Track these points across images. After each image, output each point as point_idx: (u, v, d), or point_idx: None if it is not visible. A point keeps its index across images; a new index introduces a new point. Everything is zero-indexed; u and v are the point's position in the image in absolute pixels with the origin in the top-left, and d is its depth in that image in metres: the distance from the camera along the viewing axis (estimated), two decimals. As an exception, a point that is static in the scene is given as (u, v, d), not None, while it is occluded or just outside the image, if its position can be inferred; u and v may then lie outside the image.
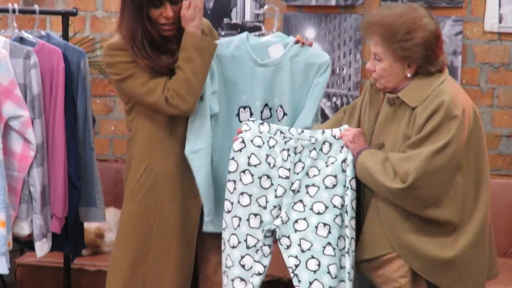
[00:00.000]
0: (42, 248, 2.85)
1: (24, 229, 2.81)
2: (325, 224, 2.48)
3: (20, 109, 2.76)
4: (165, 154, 2.68)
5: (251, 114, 2.69)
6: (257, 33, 2.81)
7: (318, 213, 2.49)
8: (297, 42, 2.73)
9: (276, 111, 2.73)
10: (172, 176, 2.68)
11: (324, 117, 3.83)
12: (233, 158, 2.54)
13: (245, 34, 2.74)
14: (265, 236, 2.50)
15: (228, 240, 2.55)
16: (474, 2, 3.88)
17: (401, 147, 2.41)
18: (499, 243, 3.74)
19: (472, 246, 2.41)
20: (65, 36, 3.18)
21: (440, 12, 3.83)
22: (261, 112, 2.71)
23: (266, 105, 2.72)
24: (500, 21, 3.88)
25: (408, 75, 2.43)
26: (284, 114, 2.73)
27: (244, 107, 2.71)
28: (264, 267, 2.50)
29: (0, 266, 2.63)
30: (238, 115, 2.71)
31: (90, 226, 3.38)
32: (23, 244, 3.09)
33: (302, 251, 2.49)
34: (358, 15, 3.92)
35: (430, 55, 2.40)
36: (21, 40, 2.92)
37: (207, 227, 2.66)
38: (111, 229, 3.60)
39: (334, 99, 4.01)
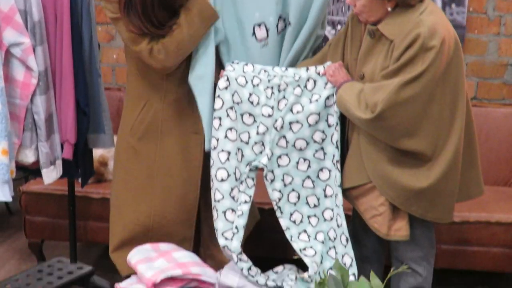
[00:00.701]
0: (49, 175, 2.86)
1: (28, 157, 2.81)
2: (305, 159, 2.58)
3: (21, 36, 2.71)
4: (163, 90, 2.68)
5: (267, 30, 2.66)
6: None
7: (300, 150, 2.57)
8: None
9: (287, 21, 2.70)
10: (171, 112, 2.69)
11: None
12: (218, 96, 2.58)
13: None
14: (250, 170, 2.56)
15: (215, 175, 2.60)
16: None
17: (378, 79, 2.41)
18: (501, 172, 3.77)
19: (445, 176, 2.44)
20: (65, -40, 3.11)
21: None
22: (277, 26, 2.67)
23: (280, 17, 2.68)
24: None
25: (389, 9, 2.41)
26: (289, 23, 2.68)
27: (259, 25, 2.66)
28: (249, 196, 2.57)
29: (3, 194, 2.64)
30: (254, 34, 2.67)
31: (93, 154, 3.38)
32: (30, 172, 3.11)
33: (285, 185, 2.59)
34: None
35: None
36: (20, -36, 2.86)
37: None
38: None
39: (338, 26, 3.95)
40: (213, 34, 2.62)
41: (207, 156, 2.74)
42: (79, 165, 3.07)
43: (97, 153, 3.53)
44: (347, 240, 2.54)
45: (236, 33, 2.68)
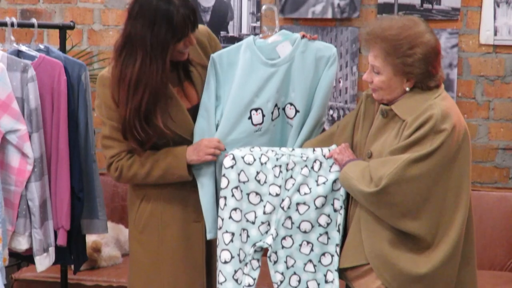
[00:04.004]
0: (42, 262, 2.83)
1: (21, 244, 2.79)
2: (308, 242, 2.55)
3: (18, 123, 2.74)
4: (160, 185, 2.69)
5: (263, 116, 2.68)
6: (260, 35, 2.78)
7: (304, 232, 2.54)
8: (303, 37, 2.71)
9: (284, 109, 2.71)
10: (169, 204, 2.70)
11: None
12: (224, 175, 2.56)
13: (251, 37, 2.73)
14: (255, 251, 2.54)
15: (219, 257, 2.56)
16: (469, 15, 3.91)
17: (385, 156, 2.41)
18: (497, 256, 3.75)
19: (444, 265, 2.38)
20: (63, 49, 3.18)
21: (436, 25, 3.85)
22: (272, 112, 2.69)
23: (276, 105, 2.70)
24: (495, 34, 3.90)
25: (407, 88, 2.43)
26: (297, 111, 2.70)
27: (256, 109, 2.68)
28: (254, 279, 2.53)
29: (-4, 281, 2.61)
30: (250, 117, 2.69)
31: (86, 240, 3.36)
32: (23, 259, 3.08)
33: (287, 267, 2.55)
34: (354, 28, 3.94)
35: (431, 70, 2.39)
36: (19, 53, 2.92)
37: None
38: (108, 243, 3.58)
39: (330, 111, 4.01)
40: (214, 126, 2.67)
41: (210, 241, 2.74)
42: (71, 251, 3.04)
43: (90, 239, 3.50)
44: None
45: (231, 114, 2.70)
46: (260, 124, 2.68)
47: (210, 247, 2.77)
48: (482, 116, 4.00)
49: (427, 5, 3.88)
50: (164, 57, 2.50)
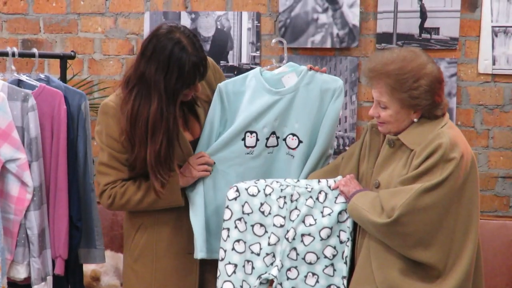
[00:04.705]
0: (40, 292, 2.83)
1: (20, 273, 2.79)
2: (313, 274, 2.54)
3: (18, 152, 2.75)
4: (156, 212, 2.69)
5: (257, 140, 2.70)
6: (268, 66, 2.82)
7: (310, 263, 2.54)
8: (310, 69, 2.74)
9: (285, 140, 2.73)
10: (165, 234, 2.70)
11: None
12: (227, 207, 2.57)
13: (258, 69, 2.77)
14: (261, 283, 2.53)
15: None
16: (468, 44, 3.93)
17: (394, 185, 2.41)
18: (497, 284, 3.73)
19: None
20: (63, 78, 3.21)
21: (435, 54, 3.87)
22: (267, 139, 2.71)
23: (273, 133, 2.72)
24: (493, 63, 3.92)
25: (415, 120, 2.44)
26: (300, 142, 2.72)
27: (251, 132, 2.71)
28: None
29: (-7, 311, 2.61)
30: (244, 139, 2.71)
31: (85, 269, 3.35)
32: (19, 288, 3.07)
33: None
34: (353, 57, 3.97)
35: (436, 99, 2.41)
36: (19, 83, 2.94)
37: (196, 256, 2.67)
38: (107, 272, 3.57)
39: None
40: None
41: (203, 272, 2.74)
42: (69, 280, 3.04)
43: (89, 268, 3.49)
44: None
45: (227, 133, 2.70)
46: (253, 147, 2.70)
47: (203, 279, 2.76)
48: (482, 144, 4.00)
49: (425, 35, 3.90)
50: (175, 102, 2.53)
